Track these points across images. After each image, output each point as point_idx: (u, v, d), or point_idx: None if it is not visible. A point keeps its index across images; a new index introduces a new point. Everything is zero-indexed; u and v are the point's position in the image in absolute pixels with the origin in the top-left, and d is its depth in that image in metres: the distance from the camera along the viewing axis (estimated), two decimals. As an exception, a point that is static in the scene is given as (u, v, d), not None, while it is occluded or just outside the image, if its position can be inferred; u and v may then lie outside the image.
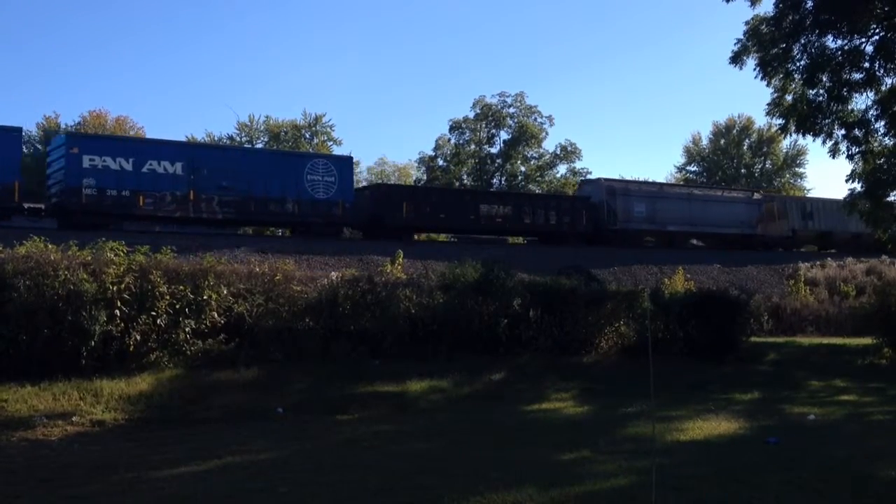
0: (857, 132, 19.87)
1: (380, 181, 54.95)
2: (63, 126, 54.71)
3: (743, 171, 67.68)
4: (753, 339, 20.60)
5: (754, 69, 20.18)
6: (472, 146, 58.70)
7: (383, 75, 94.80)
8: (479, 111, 57.93)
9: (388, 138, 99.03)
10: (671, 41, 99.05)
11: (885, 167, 20.02)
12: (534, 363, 15.87)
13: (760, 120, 62.00)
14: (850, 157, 20.21)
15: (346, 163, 30.24)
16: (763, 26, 19.83)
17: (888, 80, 19.60)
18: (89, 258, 12.94)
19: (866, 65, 19.32)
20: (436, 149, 58.58)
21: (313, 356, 14.25)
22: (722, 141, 68.53)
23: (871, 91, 19.49)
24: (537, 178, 58.73)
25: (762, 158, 68.56)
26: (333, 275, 16.18)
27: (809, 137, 20.55)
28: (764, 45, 19.76)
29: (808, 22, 19.03)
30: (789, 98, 20.41)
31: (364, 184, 46.75)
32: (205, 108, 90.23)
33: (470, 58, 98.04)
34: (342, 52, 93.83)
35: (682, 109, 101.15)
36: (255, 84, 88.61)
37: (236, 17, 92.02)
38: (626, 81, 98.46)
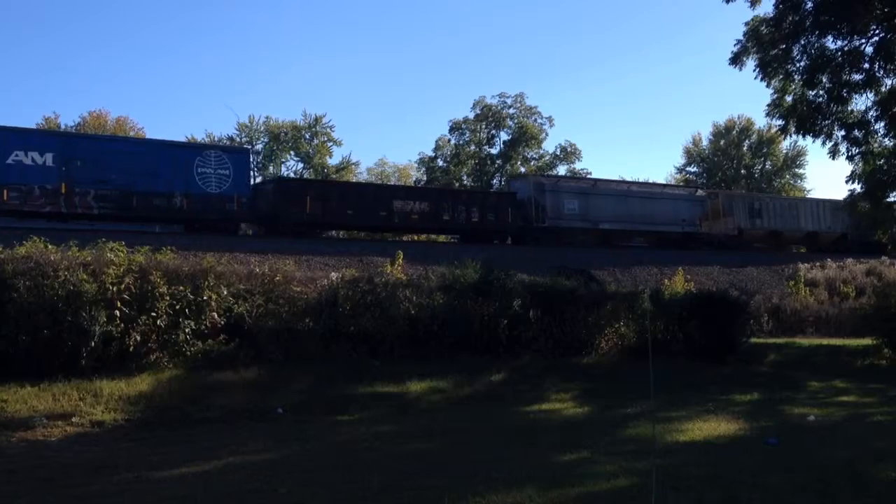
0: (856, 133, 19.91)
1: (380, 180, 54.96)
2: (63, 126, 54.75)
3: (743, 171, 67.68)
4: (753, 339, 20.61)
5: (754, 70, 20.24)
6: (472, 147, 58.76)
7: (383, 76, 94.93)
8: (479, 112, 58.02)
9: (389, 139, 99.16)
10: (671, 42, 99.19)
11: (885, 168, 20.06)
12: (534, 364, 15.87)
13: (760, 121, 62.00)
14: (849, 158, 20.27)
15: (242, 155, 28.59)
16: (763, 27, 19.86)
17: (888, 81, 19.68)
18: (89, 258, 12.94)
19: (866, 66, 19.36)
20: (436, 149, 58.70)
21: (313, 356, 14.24)
22: (722, 142, 68.53)
23: (871, 92, 19.53)
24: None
25: (762, 159, 68.56)
26: (333, 275, 16.18)
27: (809, 138, 20.65)
28: (764, 46, 19.79)
29: (808, 23, 19.06)
30: (789, 99, 20.45)
31: (369, 179, 46.39)
32: (205, 109, 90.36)
33: (470, 58, 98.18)
34: (342, 52, 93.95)
35: (681, 110, 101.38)
36: (255, 85, 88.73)
37: (237, 17, 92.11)
38: (625, 82, 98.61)
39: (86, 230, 21.90)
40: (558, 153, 59.40)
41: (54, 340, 11.98)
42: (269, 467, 8.34)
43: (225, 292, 14.10)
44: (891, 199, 20.92)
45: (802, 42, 19.48)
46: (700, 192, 38.93)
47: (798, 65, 19.82)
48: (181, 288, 13.39)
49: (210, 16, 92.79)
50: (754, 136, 67.75)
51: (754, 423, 11.50)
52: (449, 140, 58.36)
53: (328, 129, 56.51)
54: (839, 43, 19.49)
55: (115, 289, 12.61)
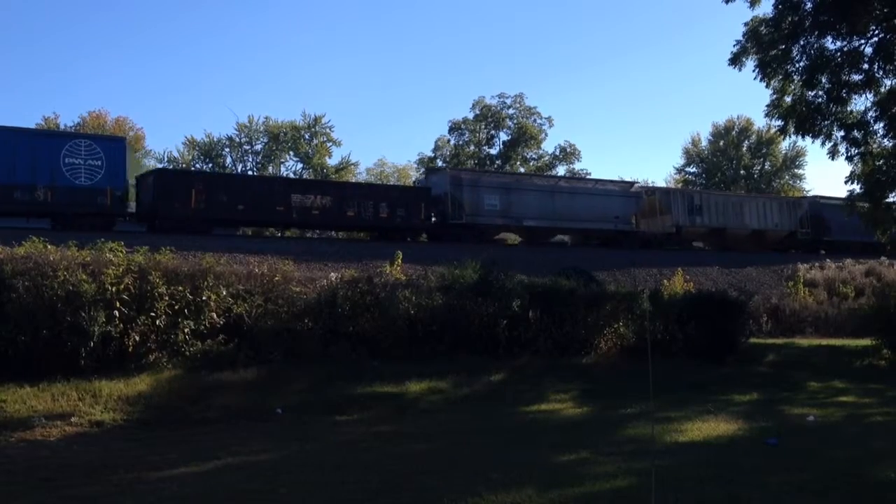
0: (856, 133, 19.91)
1: (379, 181, 54.89)
2: (62, 126, 54.74)
3: (742, 172, 67.72)
4: (753, 340, 20.61)
5: (753, 70, 20.24)
6: (472, 147, 58.79)
7: (383, 76, 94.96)
8: (478, 112, 58.06)
9: (388, 139, 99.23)
10: (670, 42, 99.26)
11: (885, 169, 20.06)
12: (533, 364, 15.86)
13: (759, 121, 62.09)
14: (849, 158, 20.26)
15: (117, 145, 25.87)
16: (762, 27, 19.86)
17: (887, 82, 19.68)
18: (88, 259, 12.94)
19: (865, 66, 19.36)
20: (435, 150, 58.71)
21: (312, 357, 14.23)
22: (721, 142, 68.59)
23: (871, 92, 19.54)
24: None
25: (761, 160, 68.61)
26: (332, 276, 16.18)
27: (808, 139, 20.63)
28: (763, 47, 19.79)
29: (808, 23, 19.07)
30: (788, 99, 20.45)
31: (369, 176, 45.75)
32: (204, 109, 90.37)
33: (469, 59, 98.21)
34: (342, 52, 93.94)
35: (681, 110, 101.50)
36: (254, 85, 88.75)
37: (236, 17, 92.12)
38: (625, 82, 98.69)
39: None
40: (558, 153, 59.45)
41: (53, 340, 11.97)
42: (268, 467, 8.34)
43: (224, 292, 14.09)
44: (890, 199, 20.92)
45: (802, 42, 19.49)
46: (635, 188, 37.14)
47: (797, 65, 19.82)
48: (180, 288, 13.39)
49: (210, 16, 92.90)
50: (753, 137, 67.82)
51: (753, 423, 11.50)
52: (448, 140, 58.46)
53: (327, 130, 56.48)
54: (838, 43, 19.52)
55: (114, 289, 12.61)
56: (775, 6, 19.47)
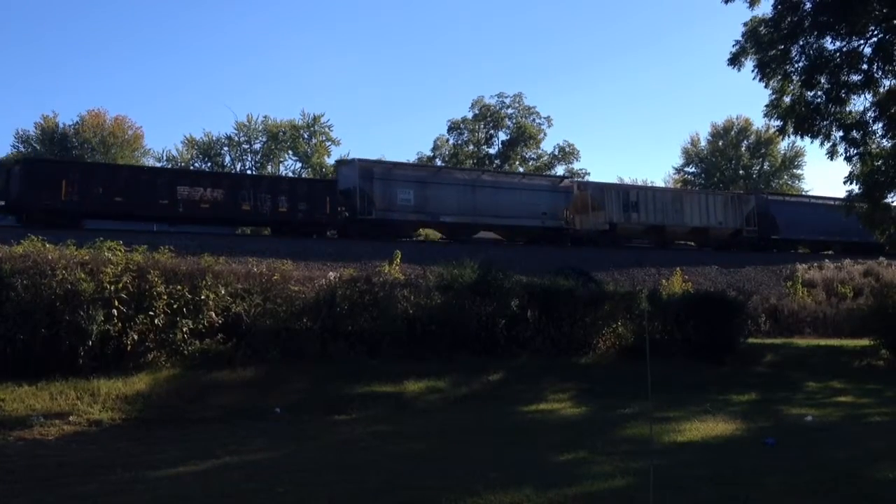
0: (855, 134, 19.92)
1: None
2: (61, 126, 54.72)
3: (741, 172, 67.75)
4: (751, 340, 20.63)
5: (753, 70, 20.25)
6: (471, 147, 58.78)
7: (382, 75, 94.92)
8: (477, 112, 58.05)
9: (387, 139, 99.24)
10: (669, 42, 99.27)
11: (883, 169, 20.07)
12: (532, 364, 15.87)
13: (758, 121, 62.12)
14: (848, 158, 20.27)
15: None
16: (761, 28, 19.87)
17: (886, 82, 19.69)
18: (87, 257, 12.92)
19: (864, 66, 19.37)
20: (434, 149, 58.65)
21: (311, 356, 14.23)
22: (720, 142, 68.60)
23: (870, 93, 19.54)
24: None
25: (760, 160, 68.62)
26: (331, 275, 16.17)
27: (807, 139, 20.64)
28: (762, 47, 19.80)
29: (807, 23, 19.07)
30: (787, 99, 20.45)
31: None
32: (204, 108, 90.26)
33: (469, 58, 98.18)
34: (341, 52, 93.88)
35: (680, 111, 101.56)
36: (253, 84, 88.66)
37: (235, 16, 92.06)
38: (624, 82, 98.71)
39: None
40: (557, 153, 59.46)
41: (52, 339, 11.96)
42: (266, 467, 8.34)
43: (223, 291, 14.08)
44: (889, 199, 20.94)
45: (801, 43, 19.49)
46: (566, 182, 35.11)
47: (796, 65, 19.83)
48: (179, 287, 13.38)
49: (209, 15, 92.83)
50: (752, 137, 67.82)
51: (752, 423, 11.52)
52: (447, 140, 58.44)
53: (326, 129, 56.55)
54: (838, 44, 19.53)
55: (112, 288, 12.60)
56: (774, 6, 19.50)
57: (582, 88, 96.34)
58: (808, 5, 19.11)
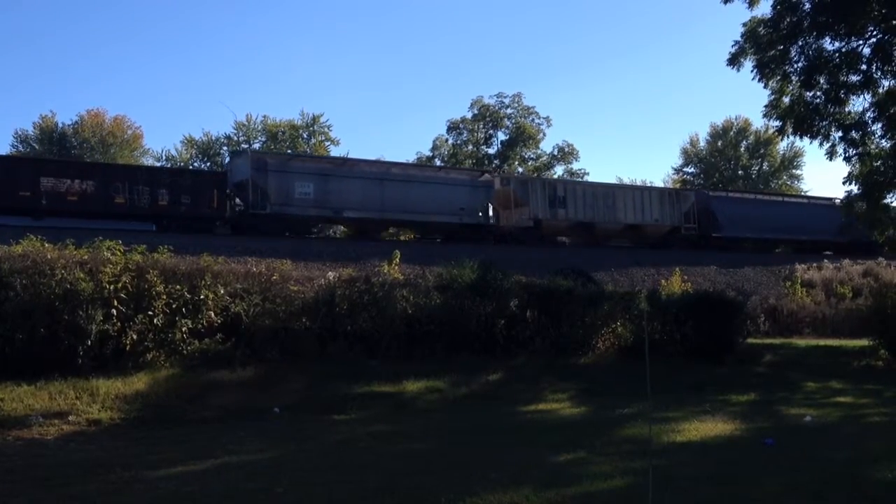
0: (854, 134, 19.91)
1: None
2: (60, 126, 54.73)
3: (740, 172, 67.77)
4: (750, 340, 20.65)
5: (752, 71, 20.24)
6: (470, 147, 58.76)
7: (381, 75, 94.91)
8: (476, 112, 58.02)
9: (386, 138, 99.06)
10: (669, 43, 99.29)
11: (882, 169, 20.07)
12: (531, 364, 15.87)
13: (758, 122, 62.27)
14: (847, 159, 20.27)
15: None
16: (761, 28, 19.86)
17: (885, 83, 19.67)
18: (86, 257, 12.92)
19: (864, 67, 19.35)
20: (433, 149, 58.64)
21: (310, 356, 14.24)
22: (719, 142, 68.62)
23: (869, 93, 19.54)
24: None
25: (759, 160, 68.65)
26: (330, 275, 16.18)
27: (807, 139, 20.60)
28: (761, 47, 19.80)
29: (806, 24, 19.07)
30: (787, 100, 20.45)
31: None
32: (203, 108, 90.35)
33: (468, 58, 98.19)
34: (341, 52, 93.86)
35: (679, 111, 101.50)
36: (253, 84, 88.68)
37: (235, 16, 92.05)
38: (623, 83, 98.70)
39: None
40: (556, 153, 59.47)
41: (51, 339, 11.96)
42: (265, 467, 8.34)
43: (222, 291, 14.09)
44: (888, 200, 20.95)
45: (800, 43, 19.49)
46: (486, 177, 33.10)
47: (796, 66, 19.82)
48: (178, 287, 13.39)
49: (208, 15, 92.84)
50: (752, 137, 67.85)
51: (751, 423, 11.51)
52: (446, 140, 58.42)
53: (326, 129, 56.49)
54: (837, 44, 19.51)
55: (111, 287, 12.60)
56: (774, 7, 19.49)
57: (581, 88, 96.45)
58: (808, 6, 19.11)
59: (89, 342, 12.13)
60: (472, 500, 6.71)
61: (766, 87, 20.35)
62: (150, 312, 12.93)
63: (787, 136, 21.37)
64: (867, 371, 19.05)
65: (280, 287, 14.90)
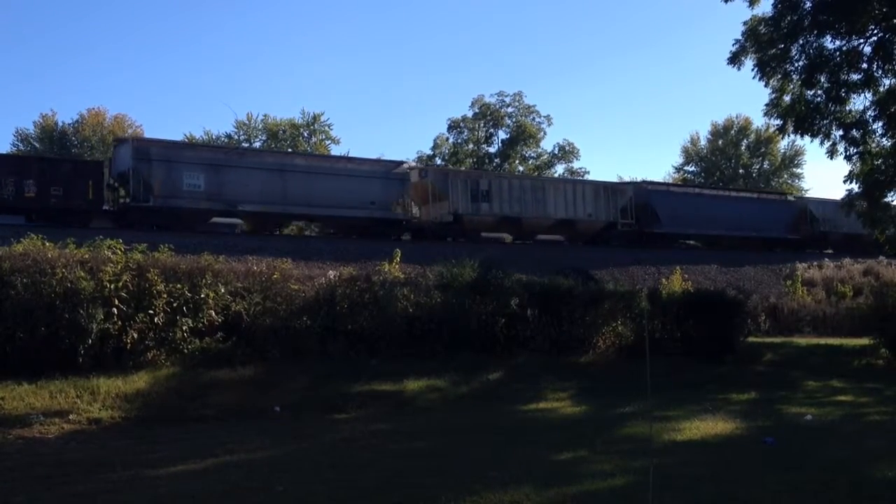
0: (854, 133, 19.89)
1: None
2: (61, 124, 54.72)
3: (741, 171, 67.75)
4: (751, 339, 20.66)
5: (752, 70, 20.20)
6: (471, 145, 58.75)
7: (382, 74, 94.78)
8: (477, 110, 57.99)
9: (387, 137, 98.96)
10: (669, 41, 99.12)
11: (883, 168, 20.06)
12: (531, 363, 15.88)
13: (758, 120, 62.11)
14: (847, 157, 20.24)
15: None
16: (761, 27, 19.83)
17: (886, 81, 19.65)
18: (87, 256, 12.93)
19: (864, 65, 19.33)
20: (434, 148, 58.62)
21: (311, 355, 14.24)
22: (720, 141, 68.59)
23: (870, 92, 19.51)
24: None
25: (760, 159, 68.64)
26: (331, 274, 16.18)
27: (807, 138, 20.58)
28: (762, 46, 19.77)
29: (807, 22, 19.04)
30: (787, 98, 20.42)
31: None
32: (203, 107, 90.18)
33: (468, 57, 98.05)
34: (341, 51, 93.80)
35: (680, 110, 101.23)
36: (253, 83, 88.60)
37: (235, 15, 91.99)
38: (624, 81, 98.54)
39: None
40: (556, 152, 59.46)
41: (51, 338, 11.96)
42: (266, 465, 8.35)
43: (222, 290, 14.09)
44: (888, 198, 20.94)
45: (801, 42, 19.46)
46: (401, 169, 31.02)
47: (796, 64, 19.79)
48: (179, 286, 13.39)
49: (209, 14, 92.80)
50: (752, 136, 67.82)
51: (751, 422, 11.52)
52: (447, 139, 58.37)
53: (326, 128, 56.52)
54: (837, 43, 19.47)
55: (112, 286, 12.60)
56: (774, 5, 19.45)
57: (582, 87, 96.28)
58: (808, 4, 19.08)
59: (90, 341, 12.13)
60: (472, 498, 6.72)
61: (766, 85, 20.33)
62: (150, 311, 12.93)
63: (788, 135, 21.36)
64: (867, 370, 19.07)
65: (281, 286, 14.90)
